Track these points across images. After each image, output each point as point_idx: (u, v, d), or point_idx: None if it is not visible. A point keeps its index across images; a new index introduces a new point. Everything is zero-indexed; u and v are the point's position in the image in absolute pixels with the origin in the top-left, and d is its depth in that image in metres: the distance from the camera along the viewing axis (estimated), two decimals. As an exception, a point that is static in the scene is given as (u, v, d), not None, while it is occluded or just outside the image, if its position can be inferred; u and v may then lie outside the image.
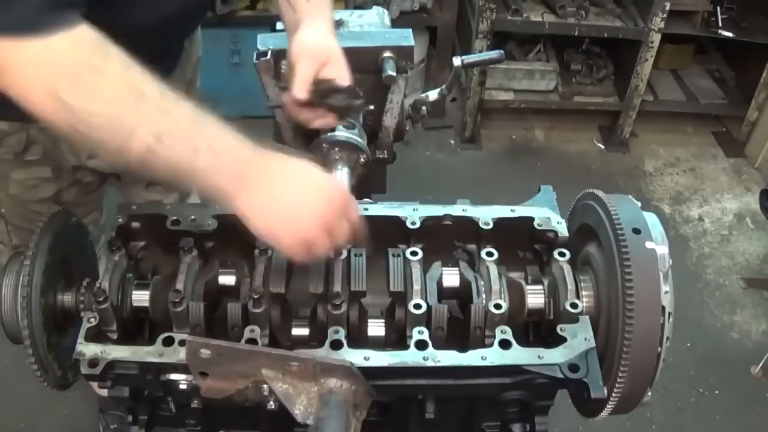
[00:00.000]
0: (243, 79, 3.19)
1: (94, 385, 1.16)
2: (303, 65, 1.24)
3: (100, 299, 1.10)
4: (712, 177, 3.88)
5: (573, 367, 1.06)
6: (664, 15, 3.48)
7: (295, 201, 1.05)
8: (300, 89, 1.24)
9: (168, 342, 1.07)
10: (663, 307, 1.08)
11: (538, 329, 1.22)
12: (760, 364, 2.86)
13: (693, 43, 4.11)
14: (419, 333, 1.08)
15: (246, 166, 1.02)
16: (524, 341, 1.11)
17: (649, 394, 1.14)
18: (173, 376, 1.09)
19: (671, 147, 4.05)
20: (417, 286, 1.13)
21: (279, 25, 1.62)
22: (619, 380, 1.08)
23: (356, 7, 3.17)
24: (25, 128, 1.40)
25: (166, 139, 0.97)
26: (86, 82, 0.95)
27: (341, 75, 1.27)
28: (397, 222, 1.22)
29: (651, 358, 1.08)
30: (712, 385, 2.82)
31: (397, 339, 1.15)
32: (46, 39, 0.93)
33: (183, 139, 0.99)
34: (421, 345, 1.07)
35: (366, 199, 1.34)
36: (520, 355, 1.07)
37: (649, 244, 1.10)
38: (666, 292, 1.08)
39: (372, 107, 1.60)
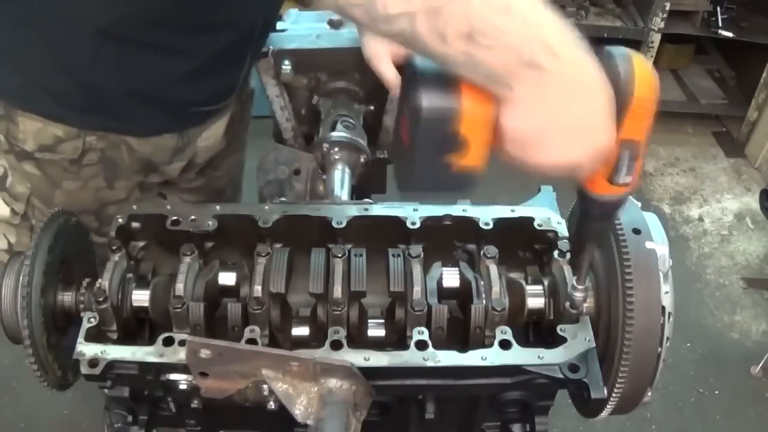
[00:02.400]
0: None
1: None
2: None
3: (100, 299, 1.10)
4: (712, 177, 3.88)
5: (573, 367, 1.06)
6: (664, 15, 3.48)
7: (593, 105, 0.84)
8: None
9: (168, 342, 1.07)
10: (663, 307, 1.08)
11: (538, 329, 1.22)
12: (760, 364, 2.86)
13: (693, 43, 4.12)
14: (419, 333, 1.08)
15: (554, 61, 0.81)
16: (524, 341, 1.11)
17: (649, 394, 1.14)
18: (173, 376, 1.09)
19: (671, 147, 4.05)
20: (417, 287, 1.13)
21: (279, 25, 1.62)
22: (619, 380, 1.08)
23: (356, 7, 3.16)
24: (82, 135, 1.31)
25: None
26: None
27: None
28: (397, 222, 1.22)
29: (651, 358, 1.08)
30: (712, 385, 2.83)
31: (397, 339, 1.15)
32: None
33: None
34: (421, 345, 1.07)
35: (366, 199, 1.34)
36: (520, 356, 1.07)
37: (649, 245, 1.09)
38: (666, 292, 1.08)
39: (372, 107, 1.60)
